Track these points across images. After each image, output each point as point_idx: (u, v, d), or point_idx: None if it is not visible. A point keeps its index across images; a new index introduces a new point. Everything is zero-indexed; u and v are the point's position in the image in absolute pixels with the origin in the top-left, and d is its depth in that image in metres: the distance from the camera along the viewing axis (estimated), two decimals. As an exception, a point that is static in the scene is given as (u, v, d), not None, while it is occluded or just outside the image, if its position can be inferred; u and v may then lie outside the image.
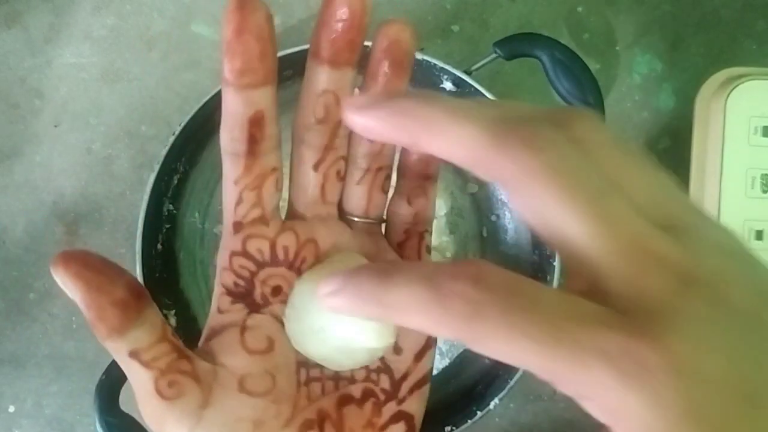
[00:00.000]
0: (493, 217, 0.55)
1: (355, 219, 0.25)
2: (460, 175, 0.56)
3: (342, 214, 0.25)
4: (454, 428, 0.49)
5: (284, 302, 0.23)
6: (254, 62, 0.21)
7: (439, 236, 0.53)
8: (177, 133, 0.48)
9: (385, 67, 0.23)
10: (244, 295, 0.23)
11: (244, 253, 0.23)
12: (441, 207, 0.54)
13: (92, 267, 0.21)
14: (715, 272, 0.17)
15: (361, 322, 0.22)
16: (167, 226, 0.52)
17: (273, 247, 0.23)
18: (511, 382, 0.48)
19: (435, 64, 0.48)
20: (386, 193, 0.25)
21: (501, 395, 0.48)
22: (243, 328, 0.23)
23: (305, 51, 0.49)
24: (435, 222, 0.53)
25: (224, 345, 0.23)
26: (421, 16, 0.55)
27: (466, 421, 0.49)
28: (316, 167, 0.23)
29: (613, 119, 0.55)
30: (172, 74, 0.55)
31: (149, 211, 0.48)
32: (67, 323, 0.55)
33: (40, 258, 0.55)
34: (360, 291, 0.18)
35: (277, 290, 0.23)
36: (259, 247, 0.23)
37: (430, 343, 0.25)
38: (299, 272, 0.23)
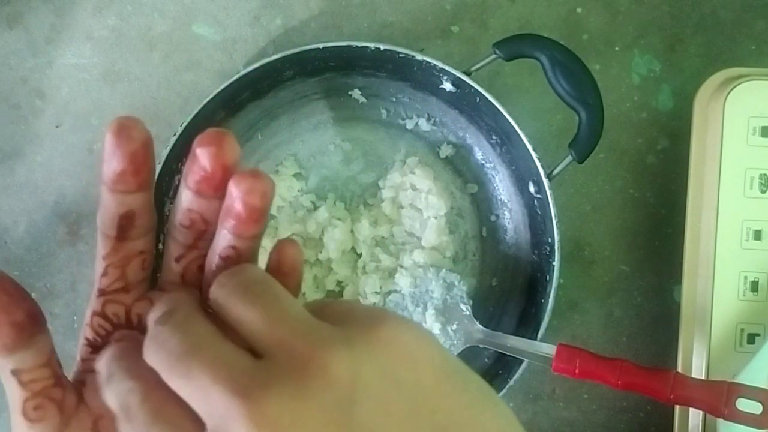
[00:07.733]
0: (493, 217, 0.56)
1: None
2: (460, 175, 0.56)
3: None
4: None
5: None
6: (127, 176, 0.23)
7: (438, 236, 0.53)
8: (178, 133, 0.48)
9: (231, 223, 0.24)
10: (101, 349, 0.25)
11: (103, 315, 0.25)
12: (441, 207, 0.54)
13: (1, 287, 0.23)
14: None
15: None
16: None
17: (128, 312, 0.26)
18: (511, 381, 0.48)
19: (435, 65, 0.48)
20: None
21: (500, 394, 0.48)
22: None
23: (306, 52, 0.49)
24: (435, 222, 0.54)
25: (89, 386, 0.25)
26: (421, 16, 0.56)
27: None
28: (177, 260, 0.26)
29: (613, 120, 0.55)
30: (173, 75, 0.55)
31: (150, 211, 0.48)
32: (68, 323, 0.55)
33: (42, 258, 0.55)
34: None
35: None
36: (115, 311, 0.25)
37: None
38: None
